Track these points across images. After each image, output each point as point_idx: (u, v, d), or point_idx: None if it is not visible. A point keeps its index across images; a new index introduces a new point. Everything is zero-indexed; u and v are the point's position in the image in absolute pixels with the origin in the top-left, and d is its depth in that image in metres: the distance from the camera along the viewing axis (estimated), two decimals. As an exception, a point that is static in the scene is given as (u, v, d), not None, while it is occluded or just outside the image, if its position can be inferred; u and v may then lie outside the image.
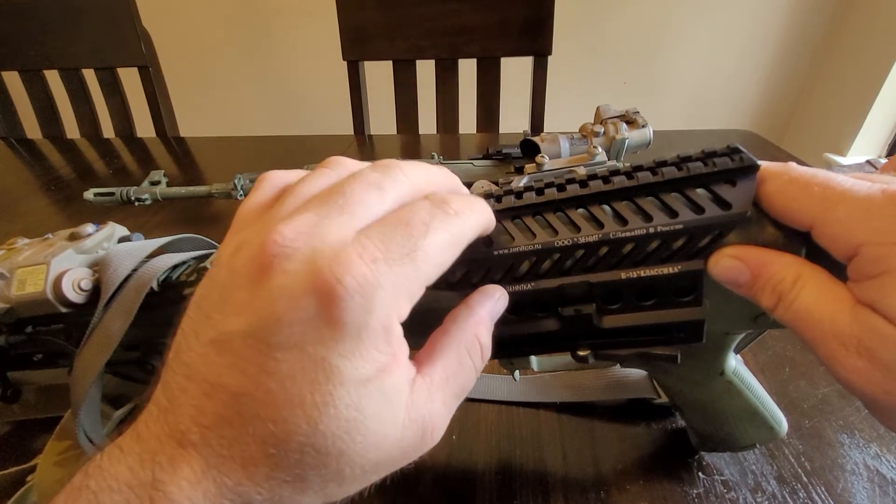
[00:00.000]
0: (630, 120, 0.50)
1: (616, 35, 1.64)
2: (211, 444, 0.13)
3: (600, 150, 0.45)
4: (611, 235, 0.17)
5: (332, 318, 0.13)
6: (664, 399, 0.33)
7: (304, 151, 0.83)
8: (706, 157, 0.17)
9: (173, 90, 1.03)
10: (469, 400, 0.35)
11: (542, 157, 0.45)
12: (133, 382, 0.33)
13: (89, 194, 0.57)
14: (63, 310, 0.26)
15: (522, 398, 0.35)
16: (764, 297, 0.16)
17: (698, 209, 0.17)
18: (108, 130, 1.01)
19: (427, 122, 0.97)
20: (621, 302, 0.18)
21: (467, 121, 0.97)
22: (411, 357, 0.16)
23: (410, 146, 0.85)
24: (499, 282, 0.19)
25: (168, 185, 0.59)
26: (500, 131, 0.97)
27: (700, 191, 0.17)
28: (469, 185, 0.49)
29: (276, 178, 0.17)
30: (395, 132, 0.98)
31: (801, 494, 0.28)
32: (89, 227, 0.29)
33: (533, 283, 0.18)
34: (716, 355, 0.24)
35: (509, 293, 0.19)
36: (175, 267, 0.27)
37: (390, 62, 0.94)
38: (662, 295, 0.18)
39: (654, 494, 0.28)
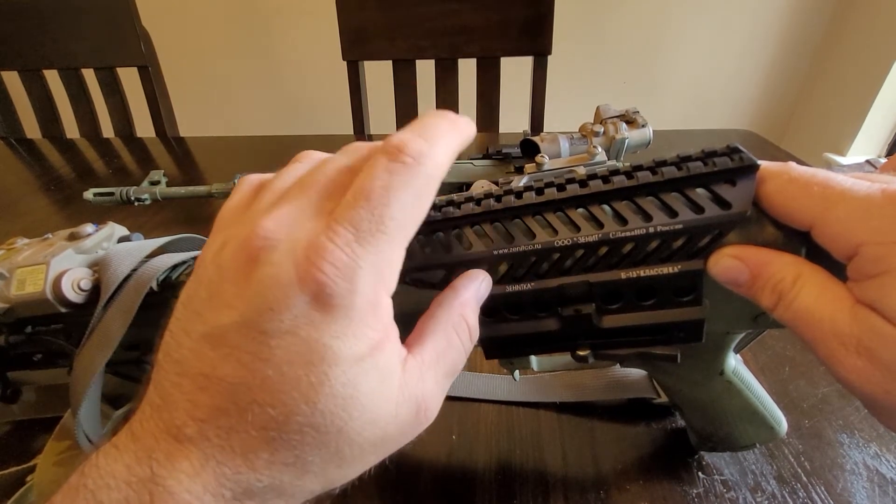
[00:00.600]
0: (630, 120, 0.50)
1: (616, 35, 1.64)
2: (208, 436, 0.13)
3: (600, 149, 0.45)
4: (610, 235, 0.17)
5: (320, 303, 0.13)
6: (664, 399, 0.33)
7: (304, 151, 0.82)
8: (706, 157, 0.17)
9: (173, 90, 1.03)
10: (469, 400, 0.35)
11: (542, 156, 0.45)
12: (133, 382, 0.33)
13: (89, 194, 0.57)
14: (63, 310, 0.26)
15: (522, 398, 0.35)
16: (764, 296, 0.16)
17: (698, 209, 0.17)
18: (107, 130, 1.01)
19: (427, 121, 0.97)
20: (621, 302, 0.18)
21: (467, 121, 0.97)
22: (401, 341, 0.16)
23: (410, 146, 0.85)
24: (499, 282, 0.19)
25: (168, 185, 0.59)
26: (500, 131, 0.97)
27: (700, 190, 0.17)
28: (469, 185, 0.49)
29: (253, 179, 0.18)
30: (395, 132, 0.98)
31: (800, 494, 0.28)
32: (89, 227, 0.29)
33: (533, 283, 0.18)
34: (715, 355, 0.24)
35: (509, 293, 0.19)
36: (175, 267, 0.27)
37: (390, 62, 0.94)
38: (662, 295, 0.18)
39: (654, 494, 0.28)
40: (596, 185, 0.18)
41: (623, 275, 0.17)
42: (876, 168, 0.20)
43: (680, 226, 0.17)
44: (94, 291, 0.27)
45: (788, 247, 0.16)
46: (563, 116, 1.17)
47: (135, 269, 0.26)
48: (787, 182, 0.16)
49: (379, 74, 1.01)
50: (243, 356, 0.13)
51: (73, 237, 0.29)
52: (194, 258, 0.28)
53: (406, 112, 0.96)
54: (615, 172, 0.18)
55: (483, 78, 0.95)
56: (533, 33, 0.90)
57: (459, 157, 0.56)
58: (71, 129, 1.02)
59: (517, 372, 0.29)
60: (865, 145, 1.53)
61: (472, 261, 0.18)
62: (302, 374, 0.13)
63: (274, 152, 0.82)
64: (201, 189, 0.57)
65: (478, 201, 0.19)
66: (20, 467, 0.30)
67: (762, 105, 1.75)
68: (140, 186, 0.58)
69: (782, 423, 0.28)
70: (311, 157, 0.18)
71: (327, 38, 1.06)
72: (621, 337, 0.19)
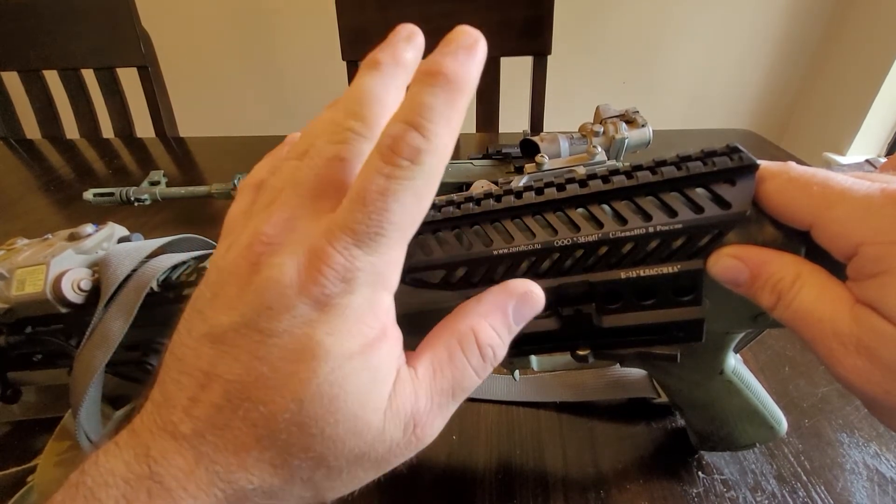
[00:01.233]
0: (629, 119, 0.50)
1: (615, 35, 1.64)
2: (203, 433, 0.14)
3: (600, 149, 0.45)
4: (610, 235, 0.17)
5: (318, 304, 0.13)
6: (664, 398, 0.33)
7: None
8: (705, 157, 0.17)
9: (172, 90, 1.03)
10: (469, 400, 0.35)
11: (542, 156, 0.45)
12: (133, 382, 0.33)
13: (89, 194, 0.57)
14: (63, 310, 0.26)
15: (522, 398, 0.35)
16: (763, 296, 0.16)
17: (698, 208, 0.17)
18: (107, 130, 1.01)
19: (427, 121, 0.97)
20: (621, 301, 0.18)
21: (467, 120, 0.97)
22: (407, 349, 0.16)
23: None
24: (499, 281, 0.19)
25: (167, 185, 0.59)
26: (500, 131, 0.97)
27: (699, 190, 0.17)
28: (469, 185, 0.49)
29: (251, 181, 0.18)
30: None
31: (800, 493, 0.28)
32: (89, 228, 0.29)
33: (532, 283, 0.18)
34: (715, 354, 0.24)
35: None
36: (175, 267, 0.27)
37: (390, 62, 0.94)
38: (662, 294, 0.18)
39: (654, 494, 0.28)
40: (596, 185, 0.18)
41: (623, 274, 0.17)
42: (875, 167, 0.20)
43: (679, 225, 0.17)
44: (94, 292, 0.27)
45: (788, 246, 0.16)
46: (563, 116, 1.17)
47: (135, 270, 0.26)
48: (786, 182, 0.16)
49: (379, 74, 1.01)
50: (241, 354, 0.14)
51: (73, 237, 0.29)
52: (194, 258, 0.28)
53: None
54: (615, 172, 0.18)
55: (483, 78, 0.93)
56: (533, 33, 0.90)
57: (459, 157, 0.56)
58: (71, 130, 1.02)
59: (517, 371, 0.29)
60: (865, 145, 1.53)
61: (471, 260, 0.18)
62: (293, 370, 0.13)
63: (274, 152, 0.82)
64: (201, 189, 0.57)
65: (477, 201, 0.19)
66: (21, 468, 0.30)
67: (762, 105, 1.75)
68: (140, 187, 0.58)
69: (782, 422, 0.28)
70: (304, 141, 0.17)
71: (327, 38, 1.06)
72: (621, 337, 0.19)
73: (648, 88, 1.73)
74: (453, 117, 0.14)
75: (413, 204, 0.14)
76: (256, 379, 0.13)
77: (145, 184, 0.58)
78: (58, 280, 0.26)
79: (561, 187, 0.19)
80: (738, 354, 0.26)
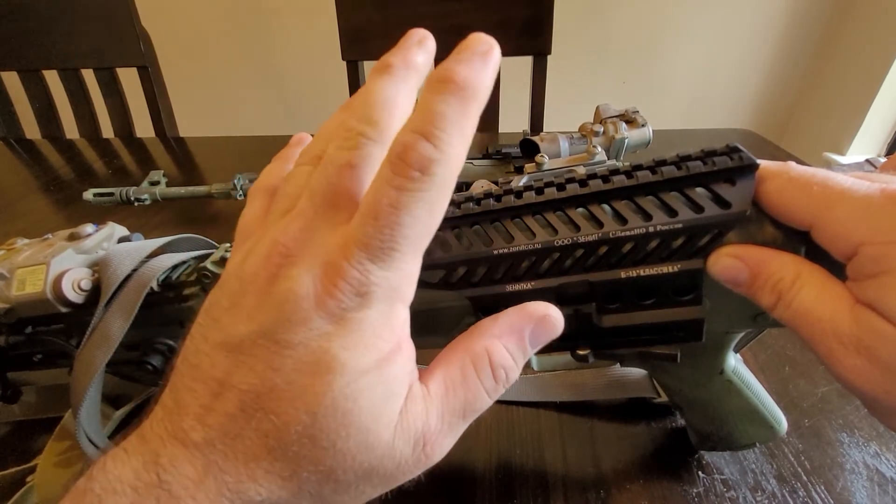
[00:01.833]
0: (629, 119, 0.50)
1: (615, 34, 1.64)
2: (213, 442, 0.13)
3: (600, 149, 0.45)
4: (610, 235, 0.17)
5: (334, 317, 0.14)
6: (664, 398, 0.33)
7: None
8: (705, 157, 0.17)
9: (172, 90, 1.03)
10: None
11: (542, 156, 0.45)
12: (133, 382, 0.33)
13: (89, 194, 0.57)
14: (63, 310, 0.26)
15: (522, 397, 0.35)
16: (763, 295, 0.16)
17: (698, 208, 0.17)
18: (107, 130, 1.01)
19: (426, 121, 0.97)
20: (621, 301, 0.18)
21: (467, 120, 0.97)
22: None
23: (410, 146, 0.85)
24: (499, 281, 0.19)
25: (167, 185, 0.59)
26: (500, 131, 0.97)
27: (699, 190, 0.17)
28: (469, 184, 0.49)
29: (261, 187, 0.18)
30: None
31: (800, 493, 0.28)
32: (89, 228, 0.29)
33: (533, 283, 0.18)
34: (715, 354, 0.24)
35: (509, 293, 0.19)
36: (175, 267, 0.27)
37: (390, 62, 0.94)
38: (662, 294, 0.18)
39: (654, 493, 0.28)
40: (596, 185, 0.18)
41: (623, 274, 0.17)
42: (875, 167, 0.20)
43: (679, 225, 0.17)
44: (95, 291, 0.27)
45: (788, 246, 0.16)
46: (563, 116, 1.16)
47: (135, 270, 0.26)
48: (786, 181, 0.16)
49: (378, 74, 1.01)
50: (257, 364, 0.14)
51: (73, 237, 0.29)
52: (194, 258, 0.28)
53: (406, 112, 0.96)
54: (615, 172, 0.18)
55: (483, 78, 0.94)
56: (533, 33, 0.90)
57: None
58: (70, 130, 1.01)
59: (517, 371, 0.29)
60: (865, 145, 1.53)
61: (471, 260, 0.18)
62: (308, 383, 0.13)
63: (273, 152, 0.82)
64: (201, 189, 0.57)
65: (477, 201, 0.19)
66: (20, 467, 0.30)
67: (762, 104, 1.75)
68: (140, 187, 0.58)
69: (782, 422, 0.28)
70: (313, 147, 0.17)
71: (327, 38, 1.06)
72: (621, 336, 0.19)
73: (648, 88, 1.73)
74: (466, 126, 0.14)
75: (425, 216, 0.14)
76: (271, 390, 0.13)
77: (145, 184, 0.58)
78: (58, 280, 0.26)
79: (561, 187, 0.19)
80: (738, 354, 0.26)
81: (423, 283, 0.19)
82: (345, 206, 0.15)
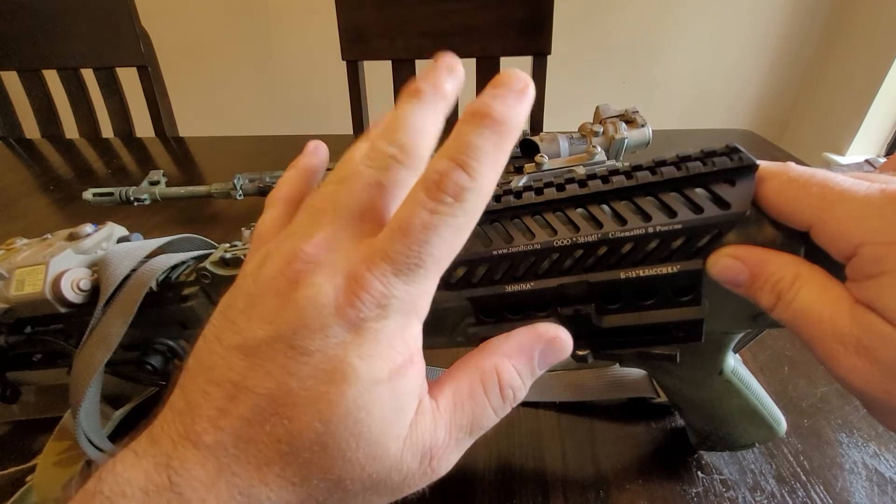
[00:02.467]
0: (629, 119, 0.50)
1: (615, 34, 1.64)
2: (226, 445, 0.14)
3: (599, 149, 0.45)
4: (610, 235, 0.17)
5: (353, 326, 0.14)
6: (663, 398, 0.33)
7: (304, 151, 0.82)
8: (705, 157, 0.17)
9: (172, 90, 1.03)
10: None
11: (542, 156, 0.45)
12: (132, 382, 0.33)
13: (88, 194, 0.57)
14: (62, 310, 0.26)
15: (522, 398, 0.35)
16: (763, 296, 0.16)
17: (697, 209, 0.17)
18: (106, 130, 1.01)
19: (426, 121, 0.97)
20: (620, 301, 0.18)
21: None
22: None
23: (410, 146, 0.85)
24: (499, 281, 0.19)
25: (167, 185, 0.59)
26: (500, 131, 0.97)
27: (699, 190, 0.17)
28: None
29: (280, 194, 0.19)
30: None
31: (799, 493, 0.28)
32: (88, 228, 0.29)
33: (532, 283, 0.18)
34: (715, 354, 0.24)
35: (509, 293, 0.19)
36: (174, 267, 0.27)
37: (390, 62, 0.94)
38: (661, 294, 0.18)
39: (654, 493, 0.28)
40: (595, 185, 0.18)
41: (622, 275, 0.17)
42: (875, 168, 0.20)
43: (679, 226, 0.17)
44: (94, 292, 0.27)
45: (787, 247, 0.16)
46: (563, 116, 1.17)
47: (134, 270, 0.26)
48: (786, 182, 0.16)
49: (378, 74, 1.01)
50: (273, 368, 0.14)
51: (72, 237, 0.29)
52: (194, 258, 0.28)
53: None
54: (614, 172, 0.18)
55: (483, 78, 0.95)
56: (532, 33, 0.90)
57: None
58: (70, 129, 1.01)
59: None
60: (864, 145, 1.53)
61: (471, 261, 0.18)
62: (323, 390, 0.14)
63: (273, 152, 0.82)
64: (201, 189, 0.57)
65: (477, 201, 0.19)
66: (20, 467, 0.30)
67: (761, 105, 1.75)
68: (139, 186, 0.58)
69: (781, 422, 0.28)
70: (347, 167, 0.16)
71: (327, 38, 1.06)
72: (621, 337, 0.19)
73: (648, 89, 1.73)
74: (499, 159, 0.15)
75: (452, 239, 0.14)
76: (286, 394, 0.14)
77: (145, 183, 0.58)
78: (57, 280, 0.26)
79: (560, 187, 0.19)
80: (737, 354, 0.26)
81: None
82: (369, 221, 0.15)
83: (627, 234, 0.17)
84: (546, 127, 0.92)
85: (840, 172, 0.16)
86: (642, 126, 0.50)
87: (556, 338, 0.17)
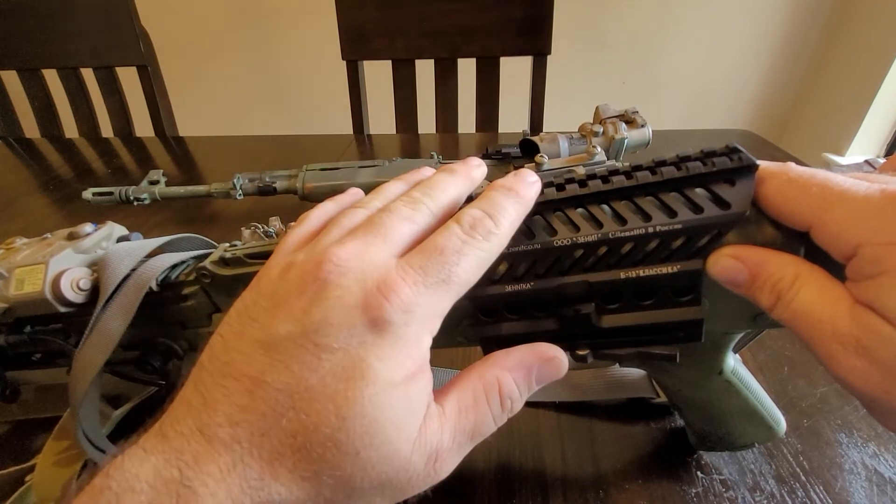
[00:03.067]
0: (629, 119, 0.50)
1: (615, 35, 1.64)
2: (240, 439, 0.14)
3: (599, 149, 0.45)
4: (610, 235, 0.17)
5: (376, 327, 0.15)
6: (663, 398, 0.33)
7: (303, 151, 0.83)
8: (705, 157, 0.17)
9: (172, 89, 1.03)
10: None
11: (542, 156, 0.45)
12: (132, 382, 0.33)
13: (88, 194, 0.57)
14: (62, 309, 0.26)
15: (521, 398, 0.35)
16: (762, 296, 0.16)
17: (697, 209, 0.17)
18: (106, 130, 1.01)
19: (426, 121, 0.97)
20: (620, 301, 0.18)
21: (466, 120, 0.97)
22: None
23: (409, 146, 0.85)
24: (499, 281, 0.19)
25: (167, 184, 0.59)
26: (500, 131, 0.97)
27: (699, 190, 0.17)
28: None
29: (319, 214, 0.20)
30: (395, 132, 0.98)
31: (799, 493, 0.28)
32: (88, 227, 0.29)
33: (532, 283, 0.18)
34: (714, 354, 0.24)
35: (508, 293, 0.19)
36: (174, 266, 0.27)
37: (389, 62, 0.94)
38: (661, 294, 0.18)
39: (653, 493, 0.28)
40: (595, 185, 0.18)
41: (622, 274, 0.17)
42: (875, 168, 0.20)
43: (679, 226, 0.17)
44: (94, 291, 0.26)
45: (787, 247, 0.16)
46: (563, 116, 1.17)
47: (134, 269, 0.26)
48: (785, 182, 0.16)
49: (378, 74, 1.01)
50: (294, 364, 0.14)
51: (72, 237, 0.29)
52: (194, 258, 0.28)
53: (405, 112, 0.96)
54: (614, 172, 0.18)
55: (482, 78, 0.95)
56: (532, 33, 0.90)
57: (458, 157, 0.56)
58: (70, 129, 1.01)
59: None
60: (864, 145, 1.53)
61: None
62: (341, 387, 0.14)
63: (273, 152, 0.82)
64: (200, 189, 0.57)
65: (477, 201, 0.19)
66: (19, 467, 0.30)
67: (761, 105, 1.75)
68: (139, 186, 0.57)
69: (781, 422, 0.28)
70: (379, 197, 0.20)
71: (327, 38, 1.06)
72: (620, 337, 0.19)
73: (648, 88, 1.73)
74: (515, 219, 0.18)
75: (474, 268, 0.17)
76: (306, 389, 0.14)
77: (144, 183, 0.58)
78: (57, 279, 0.26)
79: (560, 187, 0.19)
80: (737, 354, 0.26)
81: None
82: (399, 246, 0.17)
83: (627, 234, 0.17)
84: (546, 127, 0.92)
85: (840, 173, 0.16)
86: (642, 126, 0.50)
87: (554, 357, 0.18)
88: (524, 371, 0.18)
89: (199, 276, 0.26)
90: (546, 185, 0.19)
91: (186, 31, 1.73)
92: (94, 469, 0.14)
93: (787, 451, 0.30)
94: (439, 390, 0.17)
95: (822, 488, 0.28)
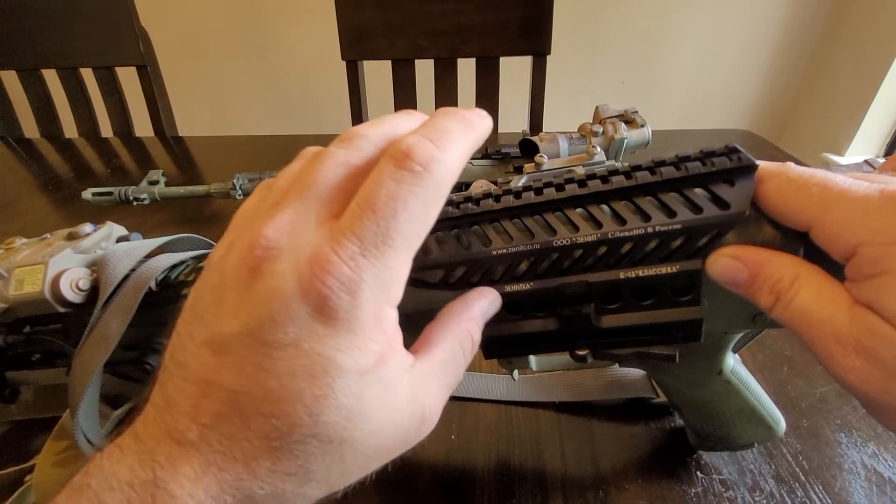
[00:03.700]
0: (629, 119, 0.50)
1: (615, 35, 1.64)
2: (210, 441, 0.13)
3: (599, 149, 0.45)
4: (609, 235, 0.17)
5: (324, 316, 0.13)
6: (663, 398, 0.33)
7: (303, 151, 0.82)
8: (704, 157, 0.17)
9: (172, 89, 1.03)
10: (468, 399, 0.35)
11: (541, 156, 0.45)
12: (131, 382, 0.33)
13: (87, 194, 0.57)
14: (61, 309, 0.26)
15: (521, 398, 0.35)
16: (762, 296, 0.16)
17: (697, 209, 0.17)
18: (106, 130, 1.01)
19: (426, 121, 0.97)
20: (620, 301, 0.18)
21: (466, 120, 0.97)
22: (406, 347, 0.16)
23: (409, 146, 0.85)
24: (498, 281, 0.19)
25: (166, 184, 0.59)
26: (499, 131, 0.97)
27: (698, 190, 0.17)
28: (468, 184, 0.49)
29: (269, 180, 0.18)
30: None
31: (798, 493, 0.28)
32: (87, 227, 0.29)
33: (532, 283, 0.18)
34: (714, 354, 0.24)
35: (508, 293, 0.19)
36: (173, 267, 0.27)
37: (389, 62, 0.94)
38: (661, 294, 0.18)
39: (653, 493, 0.28)
40: (595, 185, 0.18)
41: (622, 274, 0.17)
42: (874, 168, 0.20)
43: (678, 226, 0.17)
44: (93, 291, 0.26)
45: (787, 247, 0.16)
46: (562, 116, 1.17)
47: (133, 269, 0.26)
48: (785, 182, 0.16)
49: (378, 74, 1.01)
50: (245, 366, 0.13)
51: (71, 237, 0.29)
52: (193, 258, 0.28)
53: (405, 112, 0.96)
54: (614, 172, 0.18)
55: (482, 78, 0.95)
56: (532, 33, 0.90)
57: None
58: (69, 129, 1.01)
59: (516, 371, 0.29)
60: (864, 145, 1.53)
61: (470, 261, 0.18)
62: (305, 386, 0.13)
63: (272, 152, 0.82)
64: (200, 189, 0.57)
65: (476, 201, 0.19)
66: (18, 467, 0.30)
67: (761, 105, 1.75)
68: (139, 186, 0.57)
69: (780, 422, 0.28)
70: (312, 153, 0.17)
71: (326, 38, 1.06)
72: (620, 337, 0.19)
73: (648, 88, 1.73)
74: (465, 146, 0.15)
75: (420, 213, 0.14)
76: (265, 392, 0.13)
77: (144, 183, 0.58)
78: (56, 279, 0.26)
79: (560, 187, 0.19)
80: (736, 354, 0.26)
81: (423, 283, 0.19)
82: (336, 201, 0.14)
83: (627, 234, 0.17)
84: (546, 127, 0.92)
85: (839, 173, 0.16)
86: (642, 126, 0.50)
87: (496, 297, 0.19)
88: (482, 316, 0.18)
89: (199, 276, 0.26)
90: (546, 185, 0.19)
91: (186, 31, 1.73)
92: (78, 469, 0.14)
93: (787, 450, 0.30)
94: (418, 347, 0.17)
95: (821, 488, 0.28)
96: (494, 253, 0.18)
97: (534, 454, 0.31)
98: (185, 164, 0.82)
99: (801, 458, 0.30)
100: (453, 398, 0.35)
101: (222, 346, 0.14)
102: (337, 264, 0.13)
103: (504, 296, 0.19)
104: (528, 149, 0.49)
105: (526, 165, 0.47)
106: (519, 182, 0.44)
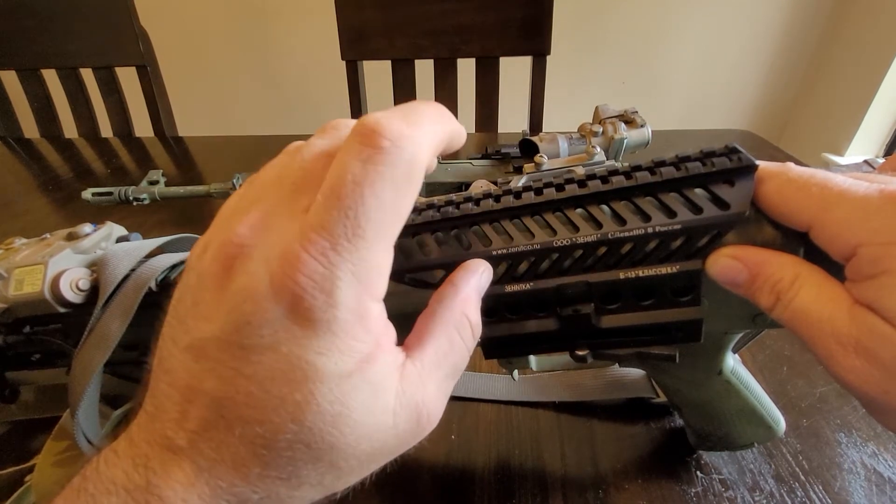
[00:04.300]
0: (629, 120, 0.50)
1: (615, 35, 1.64)
2: (200, 447, 0.13)
3: (599, 149, 0.45)
4: (609, 235, 0.17)
5: (299, 317, 0.12)
6: (662, 398, 0.33)
7: (303, 151, 0.83)
8: (704, 157, 0.17)
9: (171, 89, 1.03)
10: (468, 399, 0.35)
11: (541, 156, 0.45)
12: (131, 382, 0.33)
13: (87, 194, 0.57)
14: (61, 310, 0.26)
15: (521, 398, 0.35)
16: (762, 296, 0.16)
17: (697, 209, 0.17)
18: (106, 130, 1.01)
19: (426, 121, 0.97)
20: (620, 301, 0.18)
21: (466, 120, 0.97)
22: (399, 343, 0.15)
23: (409, 146, 0.85)
24: (498, 281, 0.19)
25: (166, 184, 0.59)
26: (499, 131, 0.97)
27: (698, 191, 0.17)
28: (468, 185, 0.49)
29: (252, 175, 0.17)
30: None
31: (798, 493, 0.28)
32: (87, 227, 0.29)
33: (531, 283, 0.18)
34: (714, 355, 0.24)
35: (508, 293, 0.19)
36: (173, 267, 0.27)
37: (389, 62, 0.94)
38: (661, 294, 0.18)
39: (653, 493, 0.28)
40: (595, 186, 0.18)
41: (622, 275, 0.17)
42: (874, 168, 0.20)
43: (678, 226, 0.17)
44: (93, 291, 0.26)
45: (787, 247, 0.16)
46: (562, 116, 1.17)
47: (133, 269, 0.26)
48: (785, 182, 0.16)
49: (378, 74, 1.01)
50: (225, 371, 0.13)
51: (71, 237, 0.29)
52: (193, 258, 0.28)
53: (405, 112, 0.96)
54: (614, 172, 0.18)
55: (482, 78, 0.95)
56: (532, 33, 0.90)
57: (458, 157, 0.56)
58: (69, 129, 1.01)
59: (516, 372, 0.29)
60: (864, 145, 1.53)
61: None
62: (286, 391, 0.13)
63: (272, 152, 0.82)
64: (200, 189, 0.57)
65: (476, 201, 0.19)
66: (19, 467, 0.30)
67: (760, 105, 1.75)
68: (138, 186, 0.57)
69: (780, 422, 0.28)
70: (293, 147, 0.16)
71: (326, 38, 1.06)
72: (620, 337, 0.19)
73: (648, 88, 1.73)
74: (438, 129, 0.15)
75: (391, 198, 0.13)
76: (247, 399, 0.13)
77: (144, 183, 0.58)
78: (56, 280, 0.26)
79: (560, 187, 0.19)
80: (736, 354, 0.26)
81: (422, 284, 0.19)
82: (311, 192, 0.13)
83: (627, 234, 0.17)
84: (545, 127, 0.92)
85: (839, 173, 0.16)
86: (641, 126, 0.50)
87: (487, 269, 0.18)
88: (477, 293, 0.17)
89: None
90: (546, 186, 0.19)
91: (186, 31, 1.73)
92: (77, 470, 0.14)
93: (787, 450, 0.30)
94: (413, 340, 0.16)
95: (821, 488, 0.28)
96: (494, 253, 0.18)
97: (534, 454, 0.31)
98: (184, 164, 0.82)
99: (800, 457, 0.30)
100: (453, 398, 0.35)
101: (202, 352, 0.13)
102: (307, 261, 0.12)
103: (504, 296, 0.19)
104: (528, 149, 0.49)
105: (526, 165, 0.47)
106: (519, 182, 0.44)
